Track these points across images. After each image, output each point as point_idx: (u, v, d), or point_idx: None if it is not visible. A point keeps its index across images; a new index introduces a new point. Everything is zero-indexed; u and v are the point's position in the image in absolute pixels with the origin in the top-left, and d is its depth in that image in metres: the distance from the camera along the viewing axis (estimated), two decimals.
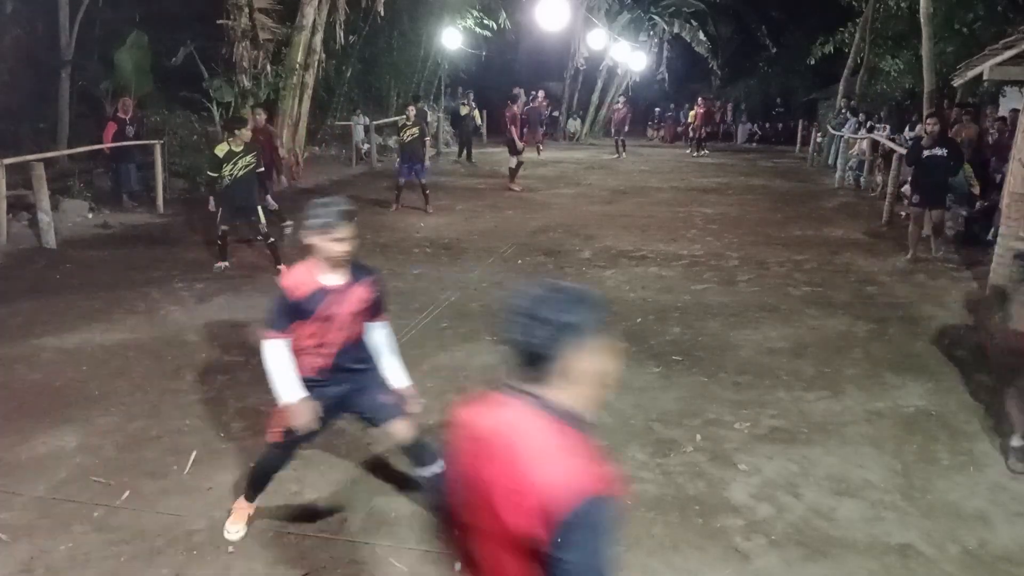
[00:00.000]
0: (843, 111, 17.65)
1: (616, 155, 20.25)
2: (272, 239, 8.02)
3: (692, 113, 24.38)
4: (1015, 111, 10.68)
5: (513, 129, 14.39)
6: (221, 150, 7.86)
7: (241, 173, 7.83)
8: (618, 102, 23.24)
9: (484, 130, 22.49)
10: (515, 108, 14.71)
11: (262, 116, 10.33)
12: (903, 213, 11.04)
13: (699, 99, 23.97)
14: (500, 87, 26.72)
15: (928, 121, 8.75)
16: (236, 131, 7.92)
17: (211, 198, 8.05)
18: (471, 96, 20.24)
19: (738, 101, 30.75)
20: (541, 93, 22.87)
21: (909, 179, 11.44)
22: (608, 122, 24.68)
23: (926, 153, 8.52)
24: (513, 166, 14.28)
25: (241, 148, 7.84)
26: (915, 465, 4.21)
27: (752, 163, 20.35)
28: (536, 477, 1.41)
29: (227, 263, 8.16)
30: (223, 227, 8.00)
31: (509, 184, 14.24)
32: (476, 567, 1.58)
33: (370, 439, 4.43)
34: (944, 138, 8.69)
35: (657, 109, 30.18)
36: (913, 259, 8.65)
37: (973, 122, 12.18)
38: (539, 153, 20.10)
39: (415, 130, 11.66)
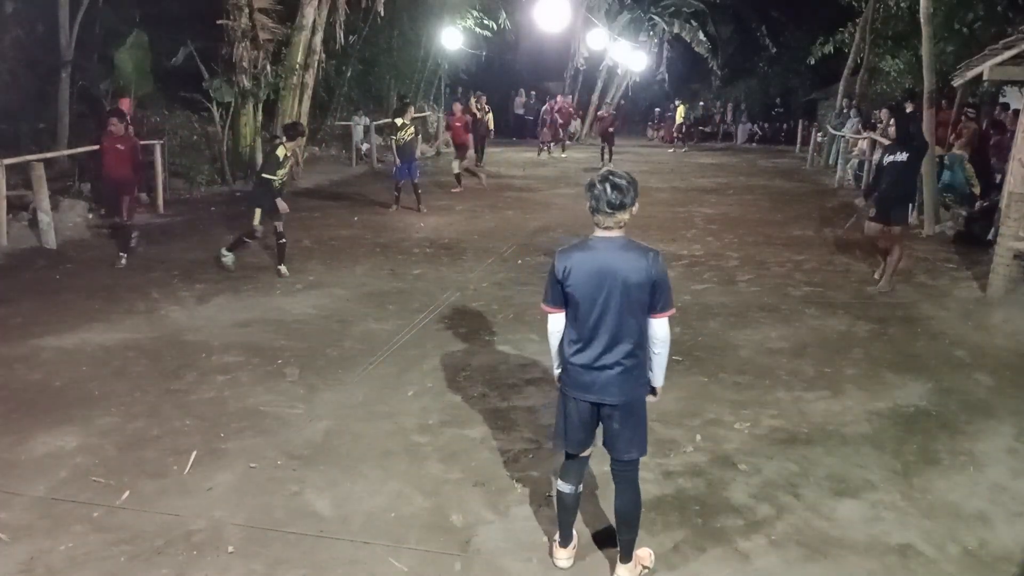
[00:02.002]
0: (845, 110, 17.64)
1: (600, 163, 17.96)
2: (284, 239, 7.99)
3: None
4: (1016, 111, 10.68)
5: (450, 133, 14.76)
6: (282, 153, 7.73)
7: (286, 178, 7.95)
8: (602, 108, 22.04)
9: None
10: (459, 112, 14.79)
11: (119, 126, 8.60)
12: None
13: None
14: (500, 87, 26.79)
15: (888, 121, 7.81)
16: (294, 138, 7.93)
17: (257, 211, 7.72)
18: (484, 100, 19.68)
19: (738, 101, 30.76)
20: (559, 97, 22.67)
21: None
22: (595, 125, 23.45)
23: (887, 159, 7.35)
24: (458, 169, 14.25)
25: (291, 155, 7.90)
26: (915, 465, 4.21)
27: (752, 163, 20.36)
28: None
29: (233, 256, 8.12)
30: (260, 229, 7.90)
31: (480, 181, 14.43)
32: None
33: (370, 438, 4.43)
34: (904, 139, 7.46)
35: (657, 109, 30.19)
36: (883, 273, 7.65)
37: (974, 122, 12.19)
38: (549, 153, 20.34)
39: (412, 130, 11.77)
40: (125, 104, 11.61)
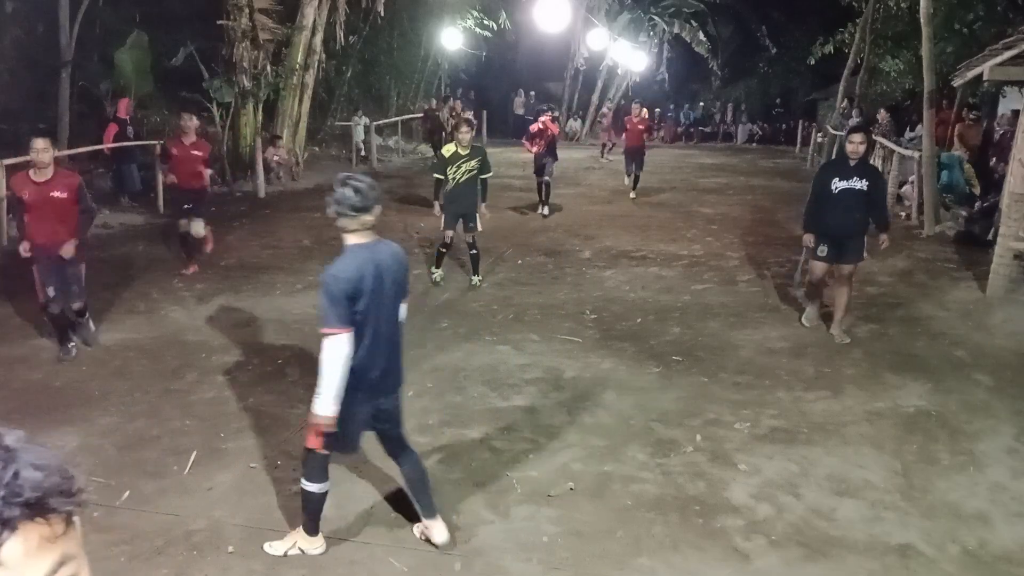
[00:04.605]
0: (845, 110, 17.62)
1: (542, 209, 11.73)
2: (476, 250, 7.68)
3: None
4: (1015, 112, 10.67)
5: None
6: (448, 151, 7.47)
7: (463, 179, 7.40)
8: (543, 114, 12.36)
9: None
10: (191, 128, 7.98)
11: (48, 154, 5.23)
12: (902, 214, 11.05)
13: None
14: (500, 87, 26.78)
15: (853, 139, 5.99)
16: (458, 133, 7.55)
17: (436, 203, 7.47)
18: (459, 104, 17.90)
19: (738, 101, 30.78)
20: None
21: (904, 185, 11.38)
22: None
23: (839, 185, 5.91)
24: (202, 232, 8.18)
25: (467, 152, 7.41)
26: (915, 465, 4.21)
27: (752, 163, 20.35)
28: None
29: (442, 272, 7.75)
30: (448, 233, 7.56)
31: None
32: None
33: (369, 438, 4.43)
34: (866, 164, 6.22)
35: (657, 110, 30.19)
36: (816, 315, 6.40)
37: (977, 123, 12.18)
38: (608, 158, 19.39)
39: None
40: (124, 104, 11.62)
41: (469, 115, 14.13)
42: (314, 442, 3.10)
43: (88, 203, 5.53)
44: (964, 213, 10.18)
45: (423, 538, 3.43)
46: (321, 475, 3.26)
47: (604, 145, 20.07)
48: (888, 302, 7.27)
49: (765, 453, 4.30)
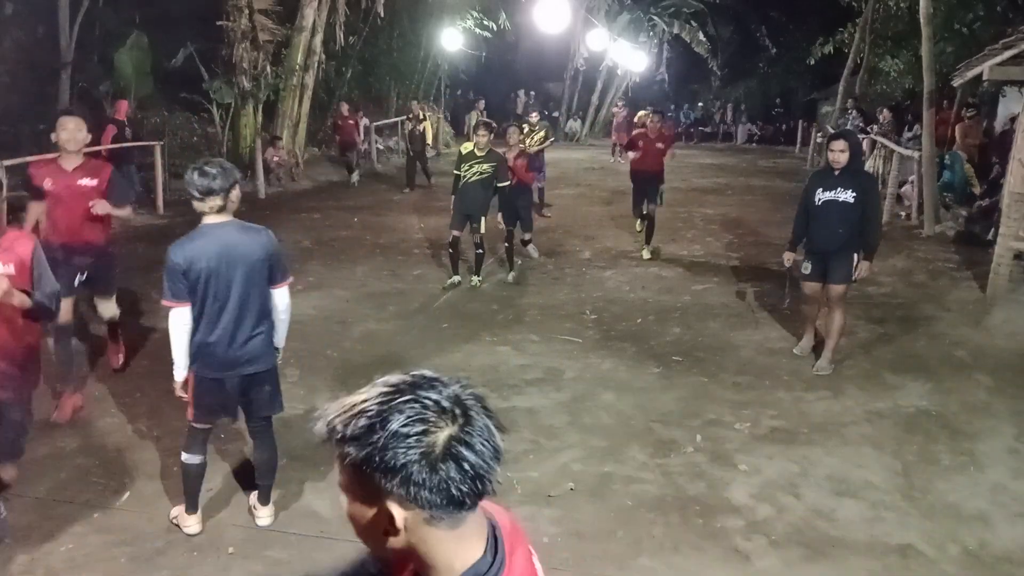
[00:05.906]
0: (849, 110, 17.62)
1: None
2: (481, 250, 7.62)
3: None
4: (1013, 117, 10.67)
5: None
6: (465, 148, 7.47)
7: (472, 179, 7.28)
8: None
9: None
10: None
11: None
12: (902, 214, 11.05)
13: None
14: (500, 88, 26.78)
15: (833, 146, 5.37)
16: (476, 135, 7.36)
17: (453, 197, 7.47)
18: (415, 104, 15.72)
19: (738, 101, 30.81)
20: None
21: (904, 185, 11.35)
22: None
23: (822, 197, 5.38)
24: None
25: (483, 154, 7.29)
26: (915, 465, 4.21)
27: (752, 164, 20.36)
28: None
29: (458, 277, 7.62)
30: (453, 233, 7.52)
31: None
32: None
33: None
34: (853, 173, 5.40)
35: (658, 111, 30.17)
36: (810, 345, 5.86)
37: (976, 121, 12.18)
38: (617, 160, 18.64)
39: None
40: (122, 107, 11.60)
41: (517, 123, 12.21)
42: (189, 412, 3.37)
43: (44, 289, 3.20)
44: (964, 213, 10.19)
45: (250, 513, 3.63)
46: (197, 447, 3.41)
47: (615, 146, 19.92)
48: (888, 302, 7.27)
49: (765, 453, 4.30)
